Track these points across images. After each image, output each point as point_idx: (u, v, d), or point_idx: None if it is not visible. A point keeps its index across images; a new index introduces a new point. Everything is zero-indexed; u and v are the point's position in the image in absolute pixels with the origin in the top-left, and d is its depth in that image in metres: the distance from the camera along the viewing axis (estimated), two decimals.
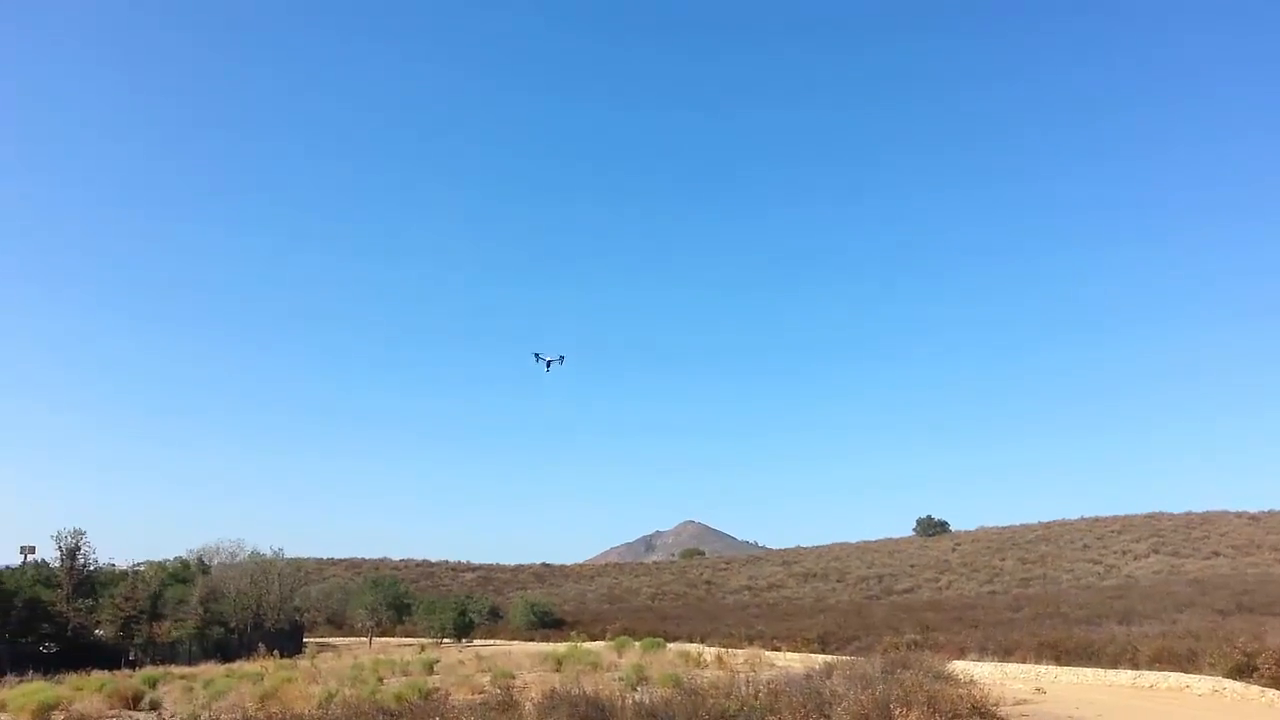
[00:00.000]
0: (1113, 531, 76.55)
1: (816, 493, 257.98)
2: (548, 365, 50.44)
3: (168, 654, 47.51)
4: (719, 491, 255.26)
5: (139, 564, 68.47)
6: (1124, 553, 69.39)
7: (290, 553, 66.42)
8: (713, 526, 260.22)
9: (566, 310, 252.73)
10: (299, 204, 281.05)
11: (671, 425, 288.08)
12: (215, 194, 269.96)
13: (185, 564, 67.45)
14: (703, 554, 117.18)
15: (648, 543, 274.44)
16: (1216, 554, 64.70)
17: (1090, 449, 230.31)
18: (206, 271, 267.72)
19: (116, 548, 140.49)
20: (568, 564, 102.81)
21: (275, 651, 46.14)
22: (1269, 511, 75.50)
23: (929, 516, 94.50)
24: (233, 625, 55.74)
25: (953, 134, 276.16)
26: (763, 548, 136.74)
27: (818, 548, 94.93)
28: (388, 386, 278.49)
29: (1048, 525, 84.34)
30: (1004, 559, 73.99)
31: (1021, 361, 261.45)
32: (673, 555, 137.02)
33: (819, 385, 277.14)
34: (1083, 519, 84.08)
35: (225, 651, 48.97)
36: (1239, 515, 75.83)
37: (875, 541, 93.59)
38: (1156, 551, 67.97)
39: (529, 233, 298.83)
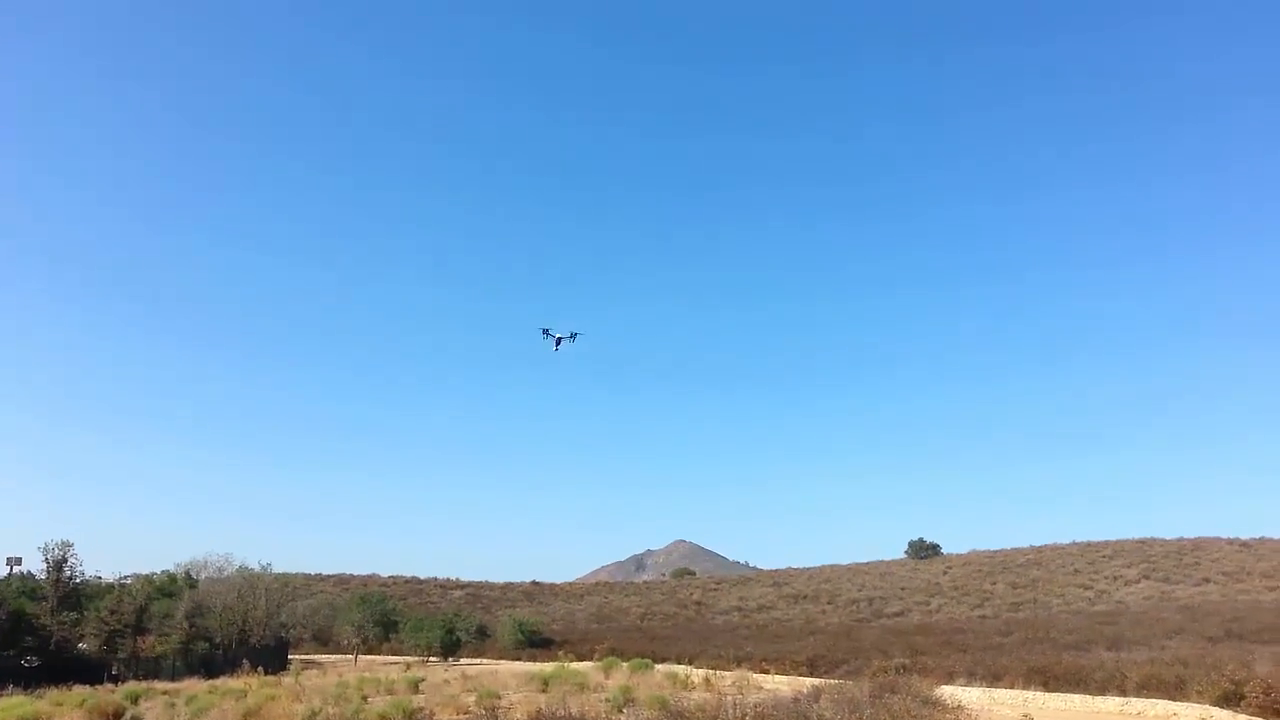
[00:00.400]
0: (1104, 557, 76.46)
1: (808, 514, 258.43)
2: (557, 343, 46.54)
3: (151, 669, 46.97)
4: (711, 511, 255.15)
5: (126, 577, 67.93)
6: (1115, 578, 69.31)
7: (278, 568, 65.88)
8: (704, 546, 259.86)
9: (559, 326, 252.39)
10: (293, 217, 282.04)
11: (664, 444, 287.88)
12: (215, 206, 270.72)
13: (172, 578, 66.85)
14: (693, 574, 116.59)
15: (638, 562, 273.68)
16: (1207, 580, 64.68)
17: (1082, 474, 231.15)
18: (200, 284, 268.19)
19: (104, 560, 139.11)
20: (557, 582, 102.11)
21: (260, 668, 45.65)
22: (1260, 539, 75.66)
23: (920, 539, 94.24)
24: (218, 641, 55.10)
25: (950, 151, 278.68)
26: (754, 568, 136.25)
27: (809, 569, 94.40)
28: (379, 402, 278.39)
29: (1039, 549, 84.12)
30: (995, 583, 73.81)
31: (1014, 385, 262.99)
32: (663, 575, 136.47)
33: (813, 407, 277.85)
34: (1074, 544, 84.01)
35: (209, 667, 48.39)
36: (1230, 542, 75.91)
37: (866, 564, 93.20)
38: (1147, 577, 67.88)
39: (524, 247, 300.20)
